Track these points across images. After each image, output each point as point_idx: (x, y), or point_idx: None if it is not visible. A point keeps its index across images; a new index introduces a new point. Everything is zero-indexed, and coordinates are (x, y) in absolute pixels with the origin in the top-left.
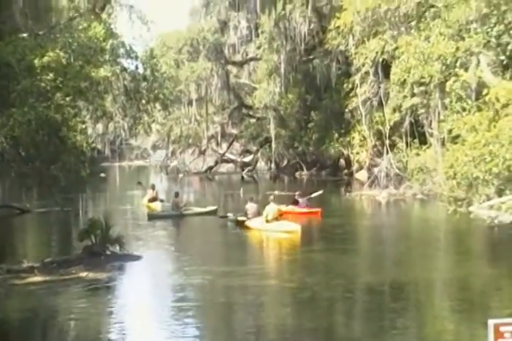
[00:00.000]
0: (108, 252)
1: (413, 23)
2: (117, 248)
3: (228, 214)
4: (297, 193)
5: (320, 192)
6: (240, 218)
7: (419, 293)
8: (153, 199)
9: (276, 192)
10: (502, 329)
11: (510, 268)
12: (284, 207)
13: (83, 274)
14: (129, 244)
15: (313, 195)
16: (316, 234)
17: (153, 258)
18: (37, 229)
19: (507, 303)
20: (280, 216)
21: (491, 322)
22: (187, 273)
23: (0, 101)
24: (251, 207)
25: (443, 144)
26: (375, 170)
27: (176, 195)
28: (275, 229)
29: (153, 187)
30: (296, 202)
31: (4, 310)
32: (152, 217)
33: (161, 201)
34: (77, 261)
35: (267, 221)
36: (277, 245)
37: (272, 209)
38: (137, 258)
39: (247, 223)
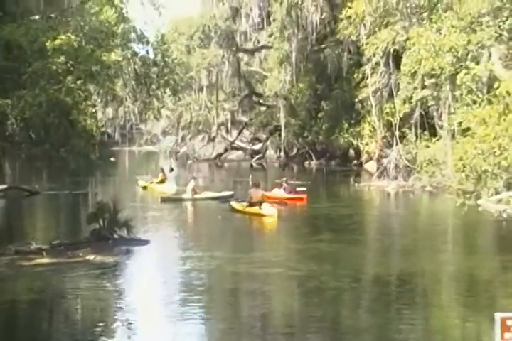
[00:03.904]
0: (116, 236)
1: (425, 15)
2: (125, 232)
3: (229, 200)
4: (284, 179)
5: (304, 188)
6: (232, 203)
7: (425, 285)
8: (162, 182)
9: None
10: (509, 323)
11: None
12: (267, 192)
13: (91, 257)
14: (137, 228)
15: (298, 189)
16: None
17: (160, 243)
18: (45, 211)
19: None
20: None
21: (498, 315)
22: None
23: (11, 83)
24: (255, 192)
25: (453, 136)
26: (385, 161)
27: (194, 179)
28: (255, 212)
29: (162, 170)
30: (280, 187)
31: (12, 291)
32: (165, 200)
33: (171, 170)
34: (85, 244)
35: (251, 204)
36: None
37: (255, 193)
38: (145, 242)
39: (235, 206)
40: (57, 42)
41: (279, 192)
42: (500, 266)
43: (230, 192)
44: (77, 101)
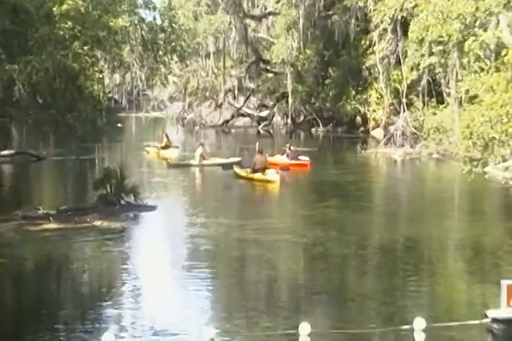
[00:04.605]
0: (123, 202)
1: None
2: (132, 198)
3: (233, 166)
4: (287, 145)
5: (306, 158)
6: (236, 169)
7: (431, 252)
8: (166, 147)
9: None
10: None
11: None
12: (270, 158)
13: (98, 223)
14: (144, 193)
15: (299, 157)
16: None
17: (167, 208)
18: (53, 176)
19: None
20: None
21: (504, 283)
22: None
23: (18, 48)
24: (259, 158)
25: (460, 104)
26: (391, 128)
27: (202, 145)
28: (259, 178)
29: (166, 135)
30: (283, 153)
31: (19, 256)
32: (172, 165)
33: (176, 147)
34: (92, 209)
35: (254, 170)
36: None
37: (259, 159)
38: (152, 208)
39: (239, 172)
40: (64, 7)
41: (281, 159)
42: (506, 233)
43: (238, 159)
44: (84, 66)
